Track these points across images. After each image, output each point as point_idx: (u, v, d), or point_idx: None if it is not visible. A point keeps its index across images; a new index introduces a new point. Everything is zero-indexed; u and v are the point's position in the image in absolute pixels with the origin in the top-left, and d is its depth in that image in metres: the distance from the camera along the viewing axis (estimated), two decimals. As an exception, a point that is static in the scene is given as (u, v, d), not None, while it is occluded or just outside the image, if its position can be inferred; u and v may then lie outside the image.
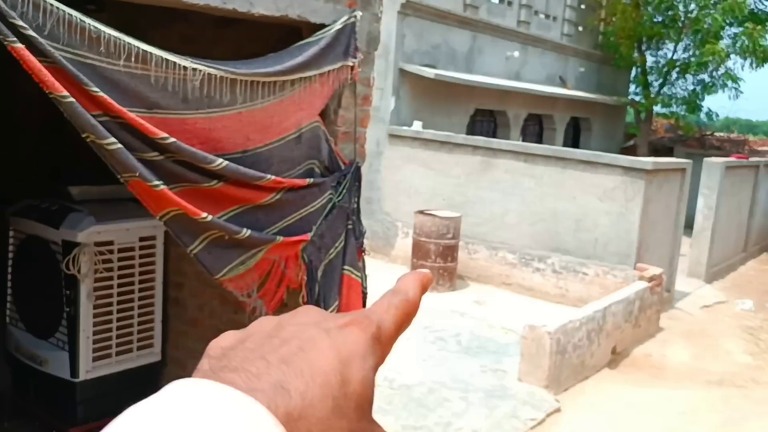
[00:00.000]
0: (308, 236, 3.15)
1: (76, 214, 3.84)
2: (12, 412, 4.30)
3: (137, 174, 2.40)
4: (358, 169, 3.43)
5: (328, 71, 3.18)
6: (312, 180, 3.15)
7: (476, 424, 5.21)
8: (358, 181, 3.46)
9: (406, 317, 0.44)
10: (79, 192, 4.05)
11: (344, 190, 3.34)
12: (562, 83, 14.81)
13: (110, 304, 3.94)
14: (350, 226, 3.41)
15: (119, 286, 3.98)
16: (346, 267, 3.38)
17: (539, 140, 14.13)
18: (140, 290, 4.09)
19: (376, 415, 0.41)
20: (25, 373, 4.08)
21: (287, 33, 3.20)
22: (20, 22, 2.08)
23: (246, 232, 2.80)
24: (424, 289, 0.46)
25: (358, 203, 3.47)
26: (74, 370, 3.82)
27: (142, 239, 4.07)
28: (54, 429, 3.95)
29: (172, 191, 2.53)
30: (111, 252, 3.90)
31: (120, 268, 3.95)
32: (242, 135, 2.87)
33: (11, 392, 4.25)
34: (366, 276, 3.60)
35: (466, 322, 7.59)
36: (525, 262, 9.04)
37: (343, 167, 3.36)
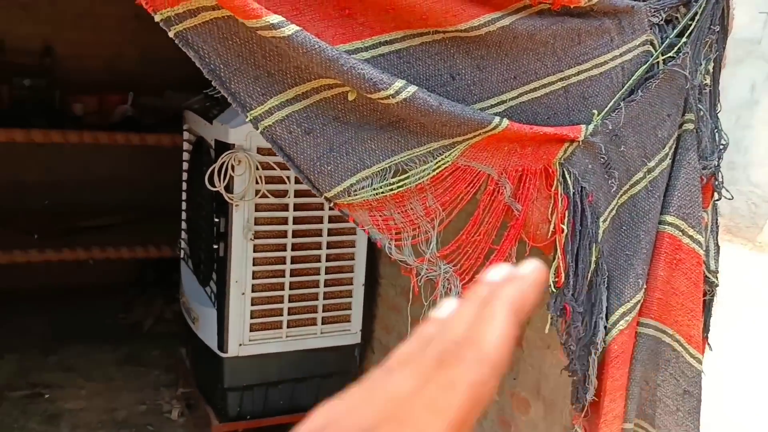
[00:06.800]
0: (580, 131, 1.35)
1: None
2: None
3: None
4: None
5: None
6: None
7: None
8: (722, 28, 1.51)
9: (518, 323, 0.33)
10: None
11: (685, 40, 1.44)
12: None
13: (283, 248, 2.56)
14: (690, 127, 1.50)
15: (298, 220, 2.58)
16: (669, 217, 1.49)
17: None
18: (332, 231, 2.64)
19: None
20: (187, 333, 2.94)
21: None
22: None
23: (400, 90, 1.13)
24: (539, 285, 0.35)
25: (715, 78, 1.54)
26: (222, 340, 2.54)
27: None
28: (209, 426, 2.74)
29: None
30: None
31: (300, 193, 2.53)
32: None
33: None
34: (717, 254, 1.67)
35: None
36: None
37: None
